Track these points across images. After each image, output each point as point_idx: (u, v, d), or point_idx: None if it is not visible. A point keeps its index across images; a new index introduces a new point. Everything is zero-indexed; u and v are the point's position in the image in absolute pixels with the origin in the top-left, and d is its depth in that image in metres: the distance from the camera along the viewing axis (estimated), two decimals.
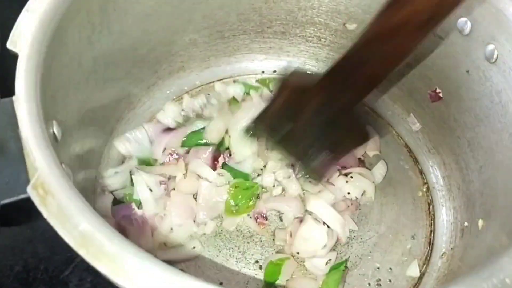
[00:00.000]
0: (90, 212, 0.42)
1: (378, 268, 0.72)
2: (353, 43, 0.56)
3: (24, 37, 0.53)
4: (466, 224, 0.71)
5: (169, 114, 0.83)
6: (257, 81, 0.91)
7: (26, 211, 0.45)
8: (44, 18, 0.55)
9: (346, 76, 0.58)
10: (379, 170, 0.81)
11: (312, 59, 0.92)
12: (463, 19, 0.68)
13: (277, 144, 0.70)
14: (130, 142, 0.78)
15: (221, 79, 0.90)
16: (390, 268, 0.72)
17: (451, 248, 0.73)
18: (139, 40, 0.75)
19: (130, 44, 0.74)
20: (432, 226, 0.77)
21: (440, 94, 0.77)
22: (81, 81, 0.64)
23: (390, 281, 0.71)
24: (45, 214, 0.41)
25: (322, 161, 0.65)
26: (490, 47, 0.65)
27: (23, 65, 0.51)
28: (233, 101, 0.86)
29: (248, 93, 0.87)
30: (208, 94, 0.86)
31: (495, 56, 0.65)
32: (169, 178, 0.76)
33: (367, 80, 0.57)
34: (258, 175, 0.78)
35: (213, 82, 0.90)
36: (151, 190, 0.73)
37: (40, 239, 0.74)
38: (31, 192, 0.43)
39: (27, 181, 0.44)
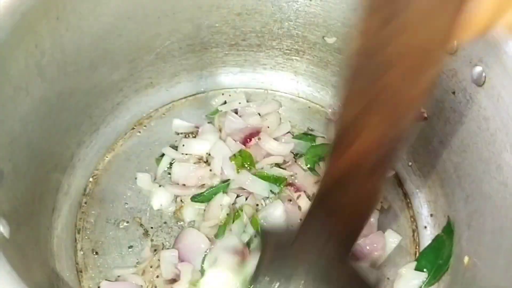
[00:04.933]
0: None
1: None
2: (316, 191, 0.50)
3: None
4: None
5: None
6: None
7: None
8: None
9: (321, 227, 0.50)
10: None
11: (290, 72, 0.86)
12: None
13: None
14: None
15: (193, 95, 0.85)
16: None
17: None
18: (98, 59, 0.69)
19: (88, 64, 0.68)
20: (416, 255, 0.72)
21: (425, 114, 0.72)
22: (30, 111, 0.58)
23: None
24: None
25: None
26: (478, 69, 0.60)
27: None
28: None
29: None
30: None
31: (482, 79, 0.60)
32: None
33: (344, 228, 0.50)
34: None
35: (185, 97, 0.85)
36: None
37: None
38: None
39: None
